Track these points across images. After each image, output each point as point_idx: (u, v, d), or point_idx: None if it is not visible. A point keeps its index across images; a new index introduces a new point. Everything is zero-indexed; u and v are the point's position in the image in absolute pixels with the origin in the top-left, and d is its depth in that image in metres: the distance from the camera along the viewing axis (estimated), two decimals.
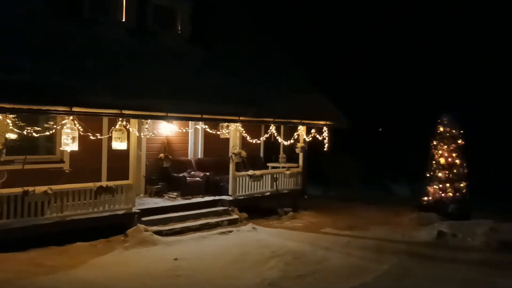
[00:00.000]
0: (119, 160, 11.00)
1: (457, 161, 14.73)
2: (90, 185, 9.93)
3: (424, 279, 8.42)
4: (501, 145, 22.51)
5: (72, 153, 10.35)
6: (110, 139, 10.47)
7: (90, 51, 10.52)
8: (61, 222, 9.47)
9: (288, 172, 14.24)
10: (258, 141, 14.21)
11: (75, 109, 9.03)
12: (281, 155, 15.24)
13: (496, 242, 10.69)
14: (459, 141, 14.86)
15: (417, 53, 26.10)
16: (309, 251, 9.83)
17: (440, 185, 14.66)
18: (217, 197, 12.69)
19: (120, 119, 10.11)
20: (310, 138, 14.51)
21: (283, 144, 14.68)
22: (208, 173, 13.18)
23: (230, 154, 12.72)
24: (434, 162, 14.95)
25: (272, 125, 13.40)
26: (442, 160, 14.78)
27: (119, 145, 10.23)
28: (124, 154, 10.66)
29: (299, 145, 14.57)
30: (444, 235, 11.28)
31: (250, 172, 13.17)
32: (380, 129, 15.80)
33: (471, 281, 8.35)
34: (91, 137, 10.08)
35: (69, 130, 9.42)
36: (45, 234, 9.20)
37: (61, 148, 9.94)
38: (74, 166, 11.07)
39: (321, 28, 26.45)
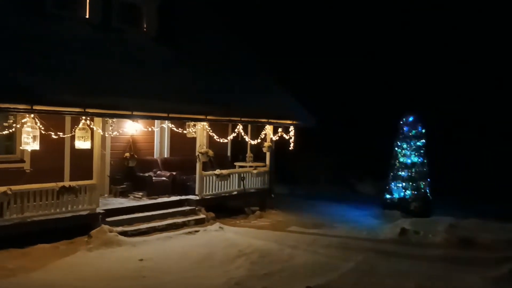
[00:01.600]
0: (83, 160, 10.77)
1: (419, 160, 15.15)
2: (52, 185, 9.67)
3: (387, 275, 8.60)
4: (460, 144, 23.25)
5: (33, 152, 10.07)
6: (73, 138, 10.23)
7: (53, 47, 10.25)
8: (21, 224, 9.18)
9: (255, 171, 14.28)
10: (225, 140, 14.18)
11: (36, 107, 8.78)
12: (249, 154, 15.27)
13: (456, 238, 11.04)
14: (421, 141, 15.29)
15: (382, 53, 26.61)
16: (275, 250, 9.88)
17: (403, 184, 15.04)
18: (183, 197, 12.59)
19: (84, 117, 9.88)
20: (277, 138, 14.60)
21: (250, 144, 14.71)
22: (174, 173, 13.07)
23: (197, 153, 12.65)
24: (397, 161, 15.33)
25: (239, 124, 13.41)
26: (404, 159, 15.17)
27: (82, 144, 10.01)
28: (88, 153, 10.43)
29: (266, 144, 14.64)
30: (406, 232, 11.56)
31: (217, 171, 13.14)
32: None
33: (431, 276, 8.59)
34: (53, 136, 9.86)
35: (30, 129, 9.18)
36: (5, 236, 8.87)
37: (21, 147, 9.66)
38: (35, 166, 10.75)
39: (287, 29, 26.62)
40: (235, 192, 13.73)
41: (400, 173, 15.17)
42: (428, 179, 15.17)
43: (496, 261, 9.44)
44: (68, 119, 11.05)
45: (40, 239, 9.23)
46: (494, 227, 11.81)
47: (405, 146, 15.27)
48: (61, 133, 10.14)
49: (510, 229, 11.64)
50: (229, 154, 16.02)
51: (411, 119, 15.42)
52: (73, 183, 9.99)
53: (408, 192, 14.91)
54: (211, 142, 13.51)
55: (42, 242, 9.22)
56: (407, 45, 26.47)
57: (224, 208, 13.46)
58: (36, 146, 9.28)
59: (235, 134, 13.77)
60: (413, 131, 15.28)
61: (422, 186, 14.96)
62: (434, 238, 11.21)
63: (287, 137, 14.72)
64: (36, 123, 9.25)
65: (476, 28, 25.73)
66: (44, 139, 9.59)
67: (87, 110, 9.47)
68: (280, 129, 14.55)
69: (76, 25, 11.37)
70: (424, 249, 10.50)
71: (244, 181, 13.82)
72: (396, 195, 15.13)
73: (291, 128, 14.68)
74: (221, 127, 14.48)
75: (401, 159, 15.24)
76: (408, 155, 15.18)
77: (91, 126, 10.11)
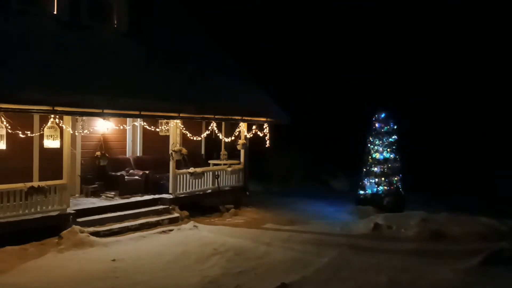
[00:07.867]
0: (52, 159, 10.52)
1: (391, 155, 15.37)
2: (20, 185, 9.40)
3: (361, 269, 8.69)
4: (432, 140, 23.72)
5: (0, 152, 9.76)
6: (41, 137, 9.97)
7: (20, 44, 9.95)
8: None
9: (229, 169, 14.23)
10: (199, 138, 14.05)
11: (2, 105, 8.53)
12: (223, 152, 15.19)
13: (427, 232, 11.23)
14: (393, 137, 15.51)
15: (355, 50, 26.88)
16: (250, 247, 9.85)
17: (376, 179, 15.24)
18: (157, 196, 12.45)
19: (52, 116, 9.65)
20: (251, 135, 14.58)
21: (225, 141, 14.65)
22: (147, 171, 12.90)
23: (170, 151, 12.51)
24: (370, 157, 15.51)
25: (213, 121, 13.32)
26: (377, 155, 15.37)
27: (51, 143, 9.77)
28: (58, 152, 10.18)
29: (241, 141, 14.59)
30: (380, 227, 11.71)
31: (191, 169, 13.03)
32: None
33: (404, 269, 8.71)
34: (21, 135, 9.59)
35: None
36: None
37: None
38: (2, 166, 10.39)
39: (262, 27, 26.63)
40: (210, 190, 13.65)
41: (373, 169, 15.37)
42: (400, 175, 15.41)
43: (466, 254, 9.65)
44: (36, 117, 10.77)
45: (8, 240, 8.95)
46: (464, 220, 12.05)
47: (377, 142, 15.47)
48: (29, 132, 9.88)
49: (478, 222, 11.90)
50: (203, 152, 15.91)
51: (383, 115, 15.63)
52: (42, 183, 9.74)
53: (381, 187, 15.12)
54: (184, 140, 13.37)
55: (10, 244, 8.94)
56: (380, 42, 26.83)
57: (198, 207, 13.37)
58: (2, 145, 9.03)
59: (209, 132, 13.68)
60: (385, 128, 15.50)
61: (394, 182, 15.19)
62: (407, 232, 11.38)
63: (261, 135, 14.72)
64: (2, 122, 8.98)
65: (446, 24, 26.27)
66: (11, 138, 9.32)
67: (56, 108, 9.25)
68: (254, 127, 14.54)
69: (44, 22, 11.08)
70: (396, 243, 10.64)
71: (219, 179, 13.75)
72: (369, 191, 15.32)
73: (265, 125, 14.68)
74: (195, 124, 14.36)
75: (374, 155, 15.43)
76: (380, 151, 15.38)
77: (61, 125, 9.88)
